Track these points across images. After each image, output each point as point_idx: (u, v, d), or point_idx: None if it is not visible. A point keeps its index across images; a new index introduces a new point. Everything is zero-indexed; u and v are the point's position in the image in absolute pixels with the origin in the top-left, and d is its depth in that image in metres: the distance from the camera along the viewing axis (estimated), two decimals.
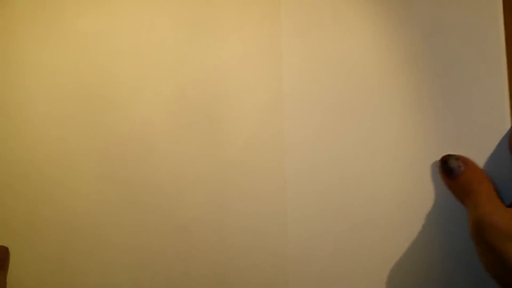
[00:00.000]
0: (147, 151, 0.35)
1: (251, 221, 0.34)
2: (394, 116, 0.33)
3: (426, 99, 0.33)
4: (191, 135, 0.35)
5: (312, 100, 0.34)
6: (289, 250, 0.34)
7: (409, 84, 0.33)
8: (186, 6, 0.35)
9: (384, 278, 0.33)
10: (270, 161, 0.34)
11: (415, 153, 0.33)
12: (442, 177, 0.32)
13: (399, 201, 0.33)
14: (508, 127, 0.32)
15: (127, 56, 0.35)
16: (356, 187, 0.33)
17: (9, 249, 0.35)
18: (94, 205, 0.35)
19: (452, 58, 0.33)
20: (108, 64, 0.35)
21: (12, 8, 0.36)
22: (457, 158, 0.31)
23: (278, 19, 0.34)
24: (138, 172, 0.35)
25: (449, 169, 0.31)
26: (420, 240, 0.33)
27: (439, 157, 0.33)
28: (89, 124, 0.35)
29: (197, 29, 0.35)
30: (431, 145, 0.33)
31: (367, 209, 0.33)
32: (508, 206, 0.30)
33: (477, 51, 0.32)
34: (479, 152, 0.32)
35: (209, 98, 0.34)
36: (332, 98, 0.34)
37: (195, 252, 0.34)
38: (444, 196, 0.33)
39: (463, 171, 0.31)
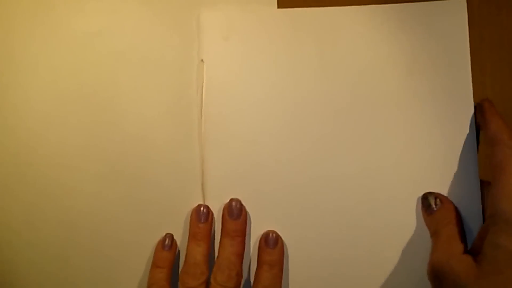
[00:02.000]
0: (147, 150, 0.35)
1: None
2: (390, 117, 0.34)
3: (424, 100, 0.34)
4: (191, 134, 0.35)
5: (311, 102, 0.34)
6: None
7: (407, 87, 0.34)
8: (185, 6, 0.35)
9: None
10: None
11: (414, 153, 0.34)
12: (422, 210, 0.33)
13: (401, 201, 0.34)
14: None
15: (127, 56, 0.35)
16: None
17: (10, 249, 0.35)
18: (94, 204, 0.35)
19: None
20: (107, 64, 0.35)
21: (11, 8, 0.36)
22: (436, 196, 0.33)
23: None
24: (138, 171, 0.35)
25: (427, 204, 0.33)
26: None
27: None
28: (88, 124, 0.35)
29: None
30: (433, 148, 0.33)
31: (371, 208, 0.34)
32: (469, 249, 0.30)
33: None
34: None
35: (210, 98, 0.35)
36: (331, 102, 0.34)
37: None
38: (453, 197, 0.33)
39: (437, 209, 0.32)
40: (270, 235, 0.34)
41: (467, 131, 0.33)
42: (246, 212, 0.34)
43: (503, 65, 0.34)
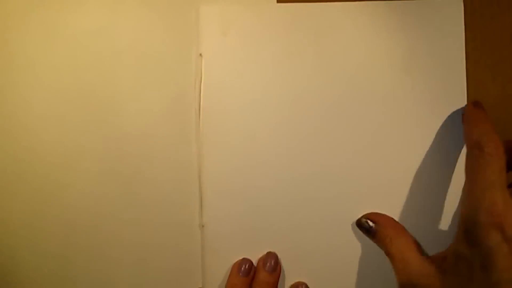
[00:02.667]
0: (145, 148, 0.35)
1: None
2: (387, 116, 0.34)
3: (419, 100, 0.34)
4: (189, 130, 0.35)
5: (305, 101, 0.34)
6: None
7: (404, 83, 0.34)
8: (184, 1, 0.35)
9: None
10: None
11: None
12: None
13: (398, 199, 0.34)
14: None
15: (127, 54, 0.35)
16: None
17: (9, 249, 0.36)
18: (93, 203, 0.35)
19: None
20: (106, 61, 0.35)
21: (9, 6, 0.36)
22: (367, 218, 0.32)
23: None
24: (136, 168, 0.35)
25: (365, 229, 0.32)
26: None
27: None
28: (87, 123, 0.35)
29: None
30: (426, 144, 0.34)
31: (366, 206, 0.34)
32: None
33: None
34: None
35: (208, 93, 0.34)
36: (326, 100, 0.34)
37: (194, 249, 0.35)
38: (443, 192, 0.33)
39: (376, 229, 0.31)
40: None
41: (459, 129, 0.33)
42: (280, 267, 0.34)
43: (504, 66, 0.34)
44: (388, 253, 0.30)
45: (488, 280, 0.25)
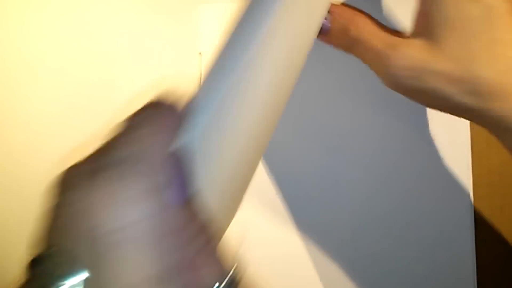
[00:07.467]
0: None
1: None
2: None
3: None
4: None
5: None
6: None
7: None
8: (185, 4, 0.35)
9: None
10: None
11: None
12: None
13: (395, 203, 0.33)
14: None
15: (127, 53, 0.35)
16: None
17: (7, 251, 0.35)
18: None
19: None
20: (106, 62, 0.35)
21: (9, 5, 0.36)
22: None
23: None
24: None
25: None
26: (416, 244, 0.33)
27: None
28: (87, 123, 0.35)
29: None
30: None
31: (363, 212, 0.34)
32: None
33: None
34: None
35: None
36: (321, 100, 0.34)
37: None
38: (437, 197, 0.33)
39: (331, 20, 0.25)
40: None
41: (461, 124, 0.33)
42: None
43: None
44: (353, 42, 0.25)
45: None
